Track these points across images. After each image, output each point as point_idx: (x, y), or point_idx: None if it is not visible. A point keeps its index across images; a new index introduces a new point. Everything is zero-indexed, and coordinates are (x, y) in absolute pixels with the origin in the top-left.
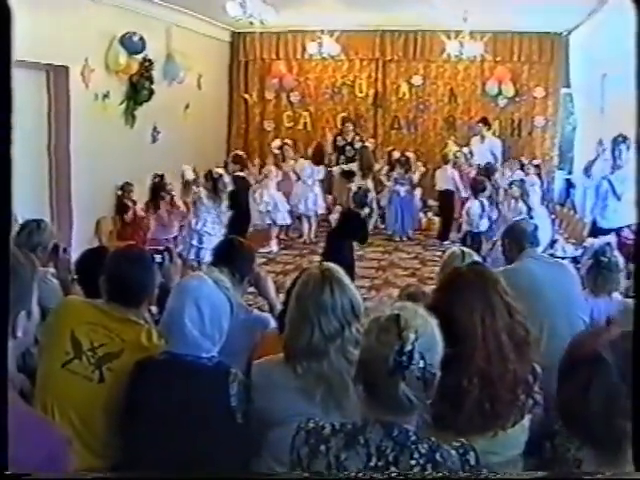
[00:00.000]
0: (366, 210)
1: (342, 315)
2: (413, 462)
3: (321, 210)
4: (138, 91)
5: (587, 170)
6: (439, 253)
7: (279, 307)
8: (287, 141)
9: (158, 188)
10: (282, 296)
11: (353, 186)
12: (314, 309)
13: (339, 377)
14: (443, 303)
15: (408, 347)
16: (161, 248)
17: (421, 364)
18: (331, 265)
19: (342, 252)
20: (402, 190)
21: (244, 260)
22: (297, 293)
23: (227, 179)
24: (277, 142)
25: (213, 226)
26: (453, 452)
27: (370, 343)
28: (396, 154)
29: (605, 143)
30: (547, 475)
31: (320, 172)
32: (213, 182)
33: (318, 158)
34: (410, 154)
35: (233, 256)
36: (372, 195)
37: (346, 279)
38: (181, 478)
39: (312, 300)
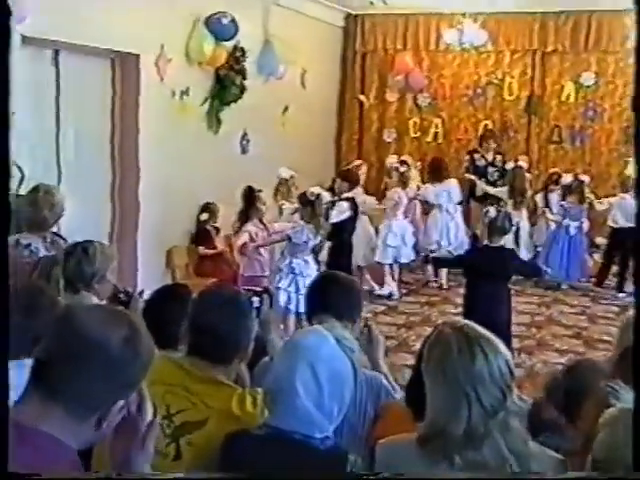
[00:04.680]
0: (507, 238)
1: (502, 381)
2: None
3: (466, 246)
4: (226, 88)
5: None
6: (615, 309)
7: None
8: (405, 158)
9: (249, 200)
10: (406, 356)
11: (491, 210)
12: (468, 380)
13: (501, 460)
14: None
15: None
16: (258, 289)
17: None
18: (465, 321)
19: (492, 301)
20: (573, 226)
21: (353, 306)
22: (438, 364)
23: (327, 197)
24: (392, 158)
25: (307, 263)
26: None
27: (616, 438)
28: (567, 178)
29: None
30: (553, 476)
31: (456, 192)
32: (310, 207)
33: (437, 175)
34: (585, 177)
35: (339, 300)
36: (517, 221)
37: (490, 334)
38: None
39: (463, 370)
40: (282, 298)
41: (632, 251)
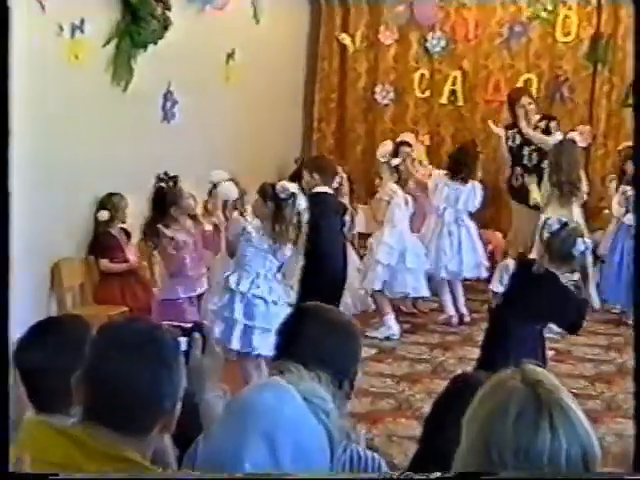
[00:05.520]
0: (576, 268)
1: (568, 476)
2: None
3: (484, 270)
4: (140, 22)
5: None
6: None
7: None
8: (405, 138)
9: (167, 200)
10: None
11: (552, 218)
12: (518, 458)
13: None
14: None
15: None
16: (187, 324)
17: None
18: (541, 372)
19: (522, 345)
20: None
21: (333, 350)
22: (483, 426)
23: (303, 201)
24: (386, 146)
25: (271, 287)
26: None
27: None
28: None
29: None
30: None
31: (473, 199)
32: (276, 206)
33: (459, 172)
34: None
35: (310, 340)
36: (586, 242)
37: (570, 401)
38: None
39: (515, 446)
40: (235, 338)
41: None
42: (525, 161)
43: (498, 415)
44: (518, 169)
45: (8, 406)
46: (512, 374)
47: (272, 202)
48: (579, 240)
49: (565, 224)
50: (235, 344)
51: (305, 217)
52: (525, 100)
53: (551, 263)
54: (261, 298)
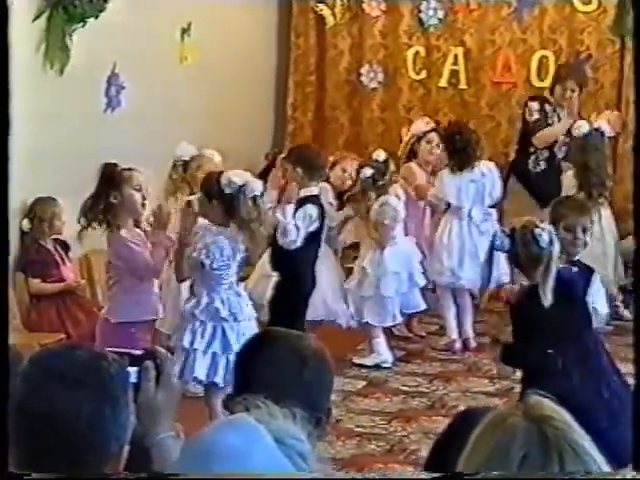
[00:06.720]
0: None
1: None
2: None
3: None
4: None
5: None
6: None
7: None
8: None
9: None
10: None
11: (497, 233)
12: None
13: None
14: None
15: None
16: (137, 352)
17: None
18: (542, 402)
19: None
20: None
21: (324, 386)
22: (481, 469)
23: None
24: (421, 124)
25: (239, 297)
26: None
27: None
28: None
29: None
30: (545, 476)
31: (492, 185)
32: (224, 205)
33: (460, 157)
34: None
35: (281, 372)
36: (545, 227)
37: (584, 440)
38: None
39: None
40: (200, 367)
41: None
42: (556, 151)
43: (498, 460)
44: (545, 152)
45: (7, 405)
46: (513, 409)
47: (220, 197)
48: (537, 231)
49: (513, 230)
50: (201, 373)
51: (260, 205)
52: (570, 84)
53: (529, 277)
54: (233, 316)
